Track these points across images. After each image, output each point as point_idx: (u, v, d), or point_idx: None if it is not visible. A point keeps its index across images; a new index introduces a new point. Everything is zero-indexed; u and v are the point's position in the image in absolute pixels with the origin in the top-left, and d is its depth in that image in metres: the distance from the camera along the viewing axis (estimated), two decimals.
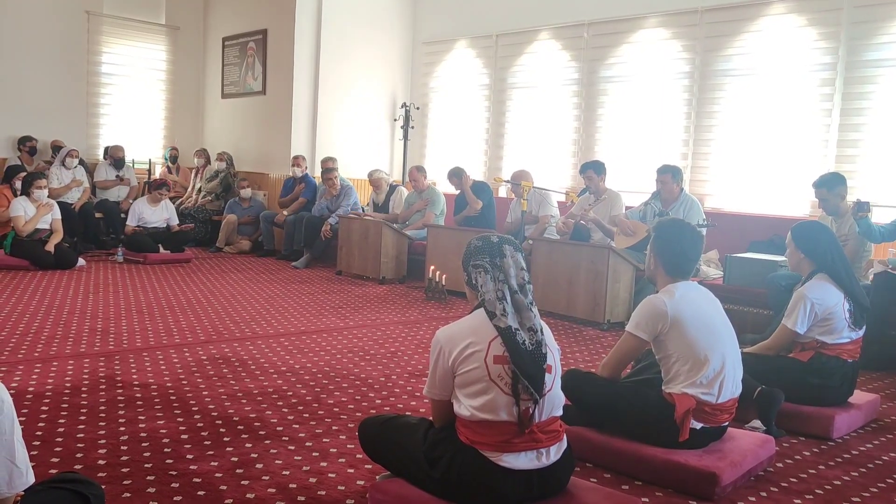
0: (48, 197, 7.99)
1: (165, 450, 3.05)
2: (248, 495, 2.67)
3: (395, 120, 10.21)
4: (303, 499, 2.67)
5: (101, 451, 3.00)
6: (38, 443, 3.06)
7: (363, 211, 8.79)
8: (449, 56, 9.94)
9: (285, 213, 9.18)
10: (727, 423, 3.07)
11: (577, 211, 6.82)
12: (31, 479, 1.86)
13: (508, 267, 2.43)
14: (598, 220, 6.56)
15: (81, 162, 9.36)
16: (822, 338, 3.71)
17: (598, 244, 6.31)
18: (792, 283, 4.30)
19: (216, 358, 4.51)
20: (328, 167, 8.90)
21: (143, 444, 3.09)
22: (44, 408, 3.48)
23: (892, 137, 6.32)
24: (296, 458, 3.04)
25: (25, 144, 9.27)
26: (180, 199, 10.28)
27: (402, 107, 9.98)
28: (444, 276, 6.79)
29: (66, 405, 3.53)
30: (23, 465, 1.83)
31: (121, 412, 3.47)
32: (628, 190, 7.49)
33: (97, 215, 9.25)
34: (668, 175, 6.20)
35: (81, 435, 3.16)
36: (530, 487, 2.38)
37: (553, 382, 2.39)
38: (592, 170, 6.74)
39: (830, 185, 5.28)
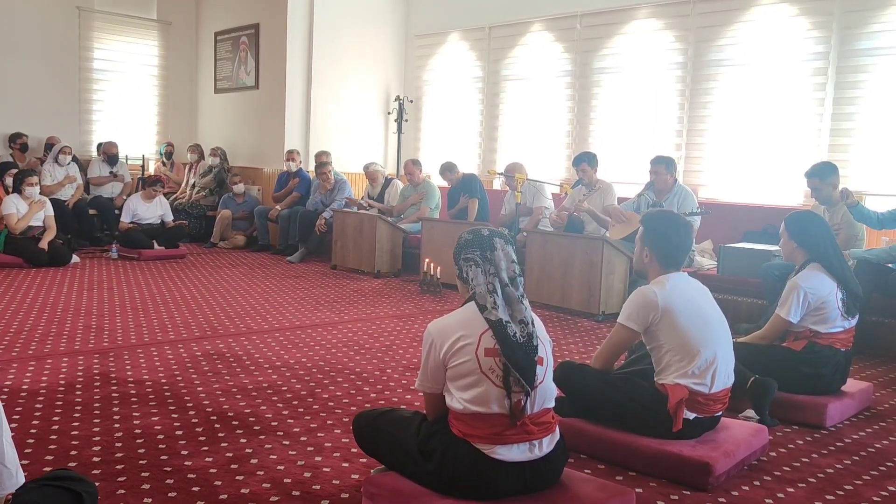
0: (41, 194, 7.97)
1: (160, 446, 3.05)
2: (242, 490, 2.68)
3: (389, 113, 10.19)
4: (297, 493, 2.68)
5: (95, 447, 3.00)
6: (33, 440, 3.05)
7: (361, 199, 8.74)
8: (442, 49, 9.93)
9: (279, 207, 9.17)
10: (720, 413, 3.08)
11: (570, 204, 6.82)
12: (21, 480, 1.86)
13: (499, 260, 2.43)
14: (593, 210, 6.56)
15: (75, 158, 9.32)
16: (815, 327, 3.72)
17: (592, 235, 6.31)
18: (785, 273, 4.31)
19: (211, 353, 4.51)
20: (322, 161, 8.89)
21: (138, 441, 3.09)
22: (38, 405, 3.48)
23: (885, 126, 6.32)
24: (290, 452, 3.04)
25: (16, 141, 9.22)
26: (174, 195, 10.26)
27: (395, 100, 9.96)
28: (438, 269, 6.79)
29: (60, 402, 3.53)
30: (12, 466, 1.82)
31: (115, 409, 3.47)
32: (622, 181, 7.49)
33: (91, 212, 9.22)
34: (662, 166, 6.20)
35: (76, 432, 3.16)
36: (523, 479, 2.38)
37: (545, 374, 2.39)
38: (586, 162, 6.74)
39: (823, 175, 5.28)
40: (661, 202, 6.15)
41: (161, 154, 10.71)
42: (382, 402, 3.76)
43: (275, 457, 2.99)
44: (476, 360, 2.33)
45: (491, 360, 2.32)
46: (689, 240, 3.17)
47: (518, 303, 2.40)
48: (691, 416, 2.95)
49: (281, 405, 3.62)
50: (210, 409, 3.52)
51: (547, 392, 2.41)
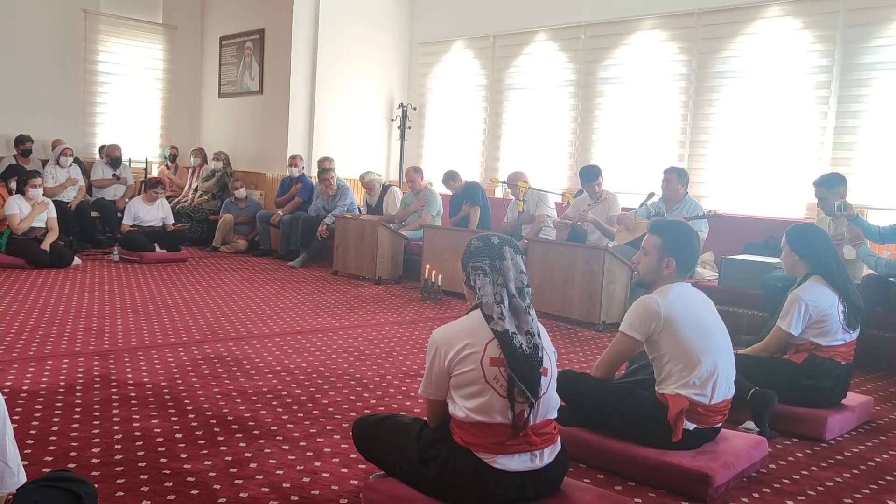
0: (44, 196, 7.98)
1: (159, 449, 3.05)
2: (241, 494, 2.68)
3: (392, 120, 10.22)
4: (296, 498, 2.67)
5: (94, 449, 3.00)
6: (32, 441, 3.05)
7: (360, 212, 8.79)
8: (446, 57, 9.95)
9: (281, 212, 9.18)
10: (720, 424, 3.08)
11: (573, 213, 6.83)
12: (23, 479, 1.86)
13: (508, 270, 2.42)
14: (597, 220, 6.58)
15: (77, 160, 9.34)
16: (816, 340, 3.71)
17: (593, 245, 6.31)
18: (788, 285, 4.31)
19: (211, 357, 4.51)
20: (325, 167, 8.90)
21: (137, 443, 3.09)
22: (38, 406, 3.48)
23: (888, 140, 6.33)
24: (290, 457, 3.04)
25: (18, 147, 9.18)
26: (177, 199, 10.27)
27: (399, 107, 9.98)
28: (439, 277, 6.79)
29: (60, 404, 3.53)
30: (14, 465, 1.83)
31: (115, 411, 3.47)
32: (624, 191, 7.50)
33: (93, 214, 9.24)
34: (675, 175, 6.23)
35: (75, 434, 3.16)
36: (523, 489, 2.38)
37: (549, 385, 2.39)
38: (601, 176, 6.79)
39: (830, 185, 5.28)
40: (666, 213, 6.16)
41: (165, 157, 10.72)
42: (382, 408, 3.76)
43: (274, 461, 2.99)
44: (481, 369, 2.32)
45: (496, 369, 2.32)
46: (700, 247, 3.20)
47: (525, 314, 2.39)
48: (691, 426, 2.95)
49: (281, 410, 3.62)
50: (210, 413, 3.52)
51: (550, 403, 2.41)
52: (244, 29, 10.36)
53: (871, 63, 6.43)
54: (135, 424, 3.31)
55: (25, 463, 2.71)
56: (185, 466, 2.89)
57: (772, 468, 3.20)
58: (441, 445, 2.40)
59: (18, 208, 7.65)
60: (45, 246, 7.60)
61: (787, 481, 3.07)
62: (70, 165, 9.12)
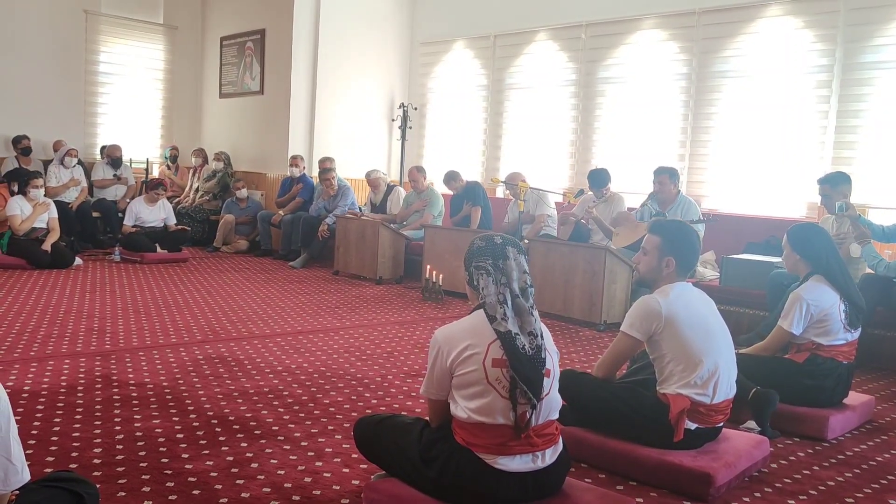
0: (45, 196, 7.99)
1: (161, 449, 3.05)
2: (242, 494, 2.68)
3: (393, 120, 10.21)
4: (297, 498, 2.67)
5: (96, 450, 3.00)
6: (34, 441, 3.06)
7: (360, 211, 8.79)
8: (447, 56, 9.95)
9: (282, 212, 9.19)
10: (722, 424, 3.08)
11: (579, 211, 6.85)
12: (27, 477, 1.87)
13: (511, 270, 2.41)
14: (600, 218, 6.60)
15: (79, 161, 9.35)
16: (817, 339, 3.71)
17: (594, 244, 6.32)
18: (793, 283, 4.31)
19: (212, 357, 4.51)
20: (326, 167, 8.90)
21: (139, 444, 3.09)
22: (39, 407, 3.48)
23: (889, 139, 6.33)
24: (291, 457, 3.04)
25: (17, 146, 9.18)
26: (178, 199, 10.27)
27: (399, 107, 9.98)
28: (441, 277, 6.79)
29: (61, 404, 3.53)
30: (18, 463, 1.84)
31: (116, 411, 3.47)
32: (625, 191, 7.50)
33: (94, 214, 9.24)
34: (666, 176, 6.21)
35: (77, 434, 3.17)
36: (525, 489, 2.38)
37: (551, 386, 2.39)
38: (610, 182, 6.79)
39: (834, 183, 5.27)
40: (665, 212, 6.16)
41: (166, 158, 10.72)
42: (384, 408, 3.76)
43: (275, 461, 2.99)
44: (483, 369, 2.31)
45: (498, 370, 2.31)
46: (700, 247, 3.20)
47: (528, 314, 2.38)
48: (693, 426, 2.95)
49: (282, 410, 3.62)
50: (211, 413, 3.52)
51: (552, 403, 2.40)
52: (245, 29, 10.36)
53: (872, 62, 6.43)
54: (136, 425, 3.31)
55: (28, 463, 2.71)
56: (187, 466, 2.89)
57: (773, 468, 3.20)
58: (442, 445, 2.40)
59: (20, 209, 7.65)
60: (47, 246, 7.60)
61: (788, 481, 3.07)
62: (74, 166, 9.13)
